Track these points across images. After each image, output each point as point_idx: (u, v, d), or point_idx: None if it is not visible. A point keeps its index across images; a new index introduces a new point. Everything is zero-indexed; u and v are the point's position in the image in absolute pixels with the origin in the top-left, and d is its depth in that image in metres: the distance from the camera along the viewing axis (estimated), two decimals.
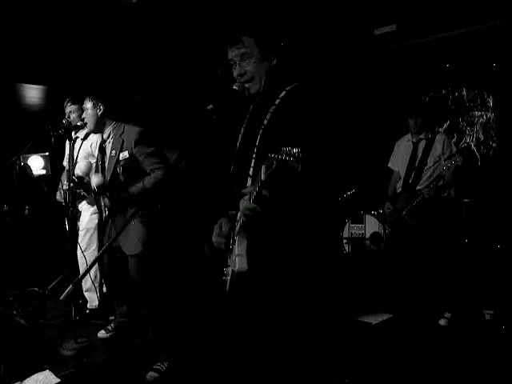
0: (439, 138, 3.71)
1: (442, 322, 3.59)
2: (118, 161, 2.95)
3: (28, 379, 2.63)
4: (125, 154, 2.94)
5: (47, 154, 5.81)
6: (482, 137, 4.53)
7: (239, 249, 1.58)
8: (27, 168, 5.58)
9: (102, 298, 3.78)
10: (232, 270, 1.69)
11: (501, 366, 2.86)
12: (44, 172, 5.98)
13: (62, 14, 4.06)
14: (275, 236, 1.61)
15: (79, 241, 3.84)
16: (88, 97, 3.08)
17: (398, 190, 3.89)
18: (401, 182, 3.87)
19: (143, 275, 2.92)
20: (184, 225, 5.41)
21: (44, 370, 2.74)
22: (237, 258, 1.57)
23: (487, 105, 4.52)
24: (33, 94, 5.58)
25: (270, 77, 1.73)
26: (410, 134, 3.88)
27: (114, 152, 2.99)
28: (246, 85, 1.72)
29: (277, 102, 1.70)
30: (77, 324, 3.21)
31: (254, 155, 1.69)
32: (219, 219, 1.83)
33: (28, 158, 5.73)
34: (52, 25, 4.27)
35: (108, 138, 3.08)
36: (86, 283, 3.80)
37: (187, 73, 5.78)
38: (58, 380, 2.64)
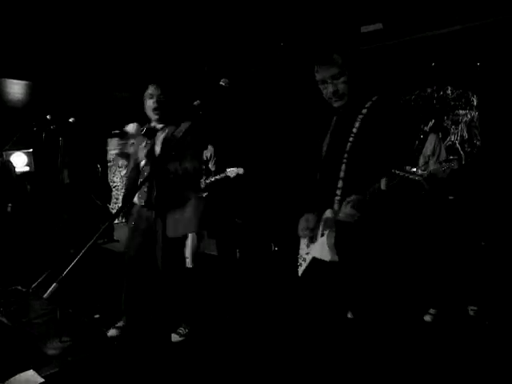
0: (431, 139, 3.75)
1: (427, 318, 3.63)
2: (168, 140, 3.03)
3: (11, 379, 2.58)
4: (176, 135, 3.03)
5: (31, 150, 5.74)
6: (466, 135, 4.59)
7: (330, 243, 1.89)
8: (11, 165, 5.50)
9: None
10: (313, 258, 1.99)
11: (484, 361, 2.90)
12: (28, 169, 5.91)
13: (45, 8, 3.99)
14: (362, 236, 1.86)
15: None
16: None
17: None
18: None
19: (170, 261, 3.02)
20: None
21: (28, 369, 2.70)
22: (329, 250, 1.88)
23: (471, 104, 4.57)
24: (16, 89, 5.49)
25: (355, 91, 1.94)
26: None
27: (167, 130, 3.09)
28: (335, 101, 1.94)
29: (364, 111, 1.91)
30: (61, 323, 3.17)
31: (345, 160, 1.89)
32: (306, 214, 2.07)
33: (11, 154, 5.65)
34: (35, 19, 4.20)
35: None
36: None
37: (173, 69, 5.74)
38: (42, 380, 2.60)
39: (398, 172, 1.54)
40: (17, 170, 5.54)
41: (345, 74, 1.91)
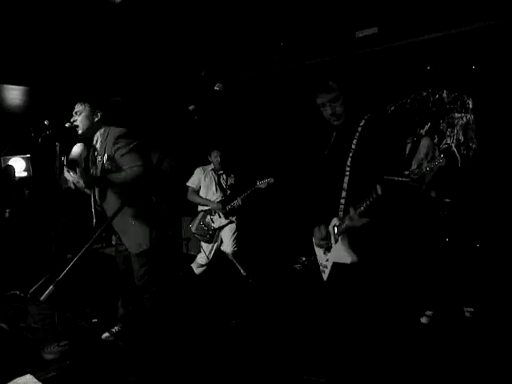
0: (424, 143, 3.77)
1: (424, 319, 3.64)
2: (103, 164, 2.95)
3: (9, 383, 2.59)
4: (105, 157, 2.94)
5: (28, 155, 5.74)
6: (462, 138, 4.61)
7: (346, 247, 2.09)
8: (10, 170, 5.51)
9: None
10: (334, 263, 2.19)
11: (481, 362, 2.92)
12: (26, 174, 5.91)
13: (43, 14, 4.02)
14: (375, 235, 2.07)
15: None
16: (83, 102, 3.07)
17: None
18: None
19: (148, 272, 2.97)
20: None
21: (26, 373, 2.71)
22: (347, 253, 2.07)
23: (467, 107, 4.60)
24: (13, 95, 5.51)
25: (351, 110, 2.19)
26: None
27: (99, 158, 3.00)
28: (334, 121, 2.19)
29: (359, 129, 2.16)
30: (59, 327, 3.18)
31: (348, 172, 2.13)
32: (317, 225, 2.28)
33: (9, 159, 5.66)
34: (33, 25, 4.23)
35: (96, 143, 3.07)
36: None
37: (169, 74, 5.77)
38: None
39: (390, 177, 1.73)
40: (16, 175, 5.54)
41: (340, 97, 2.15)
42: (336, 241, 2.17)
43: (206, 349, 3.21)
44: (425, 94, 4.83)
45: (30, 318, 3.81)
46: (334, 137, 2.35)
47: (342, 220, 2.12)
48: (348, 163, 2.15)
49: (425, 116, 4.78)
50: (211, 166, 4.95)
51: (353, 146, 2.15)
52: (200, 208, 4.98)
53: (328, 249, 2.26)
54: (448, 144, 4.68)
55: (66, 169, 2.92)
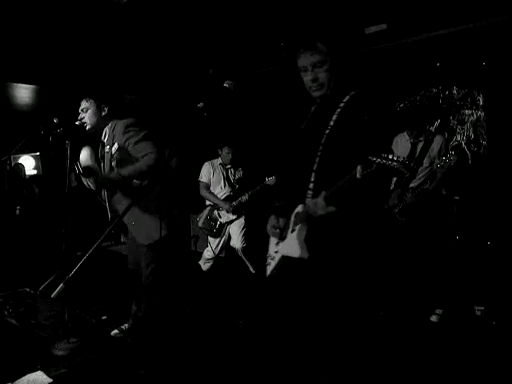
0: (437, 140, 3.75)
1: (434, 318, 3.62)
2: (111, 155, 2.96)
3: (20, 380, 2.61)
4: (115, 147, 2.94)
5: (38, 154, 5.79)
6: (472, 135, 4.56)
7: (300, 239, 1.77)
8: (20, 168, 5.56)
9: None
10: (282, 256, 1.89)
11: (492, 361, 2.89)
12: (35, 172, 5.97)
13: (52, 13, 4.03)
14: (335, 230, 1.77)
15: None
16: (88, 98, 3.07)
17: (391, 188, 3.92)
18: (394, 179, 3.89)
19: (154, 272, 3.02)
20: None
21: (36, 370, 2.73)
22: (299, 247, 1.76)
23: (477, 103, 4.55)
24: (23, 93, 5.55)
25: (335, 83, 1.88)
26: (406, 134, 3.91)
27: (107, 148, 3.01)
28: (314, 90, 1.88)
29: (341, 105, 1.84)
30: (69, 324, 3.20)
31: (319, 153, 1.83)
32: (275, 212, 2.00)
33: (19, 158, 5.72)
34: (43, 24, 4.24)
35: (104, 137, 3.08)
36: None
37: (178, 72, 5.78)
38: (51, 380, 2.64)
39: (374, 159, 1.44)
40: (26, 173, 5.60)
41: (327, 63, 1.85)
42: (292, 230, 1.86)
43: (213, 347, 3.21)
44: (435, 90, 4.79)
45: (40, 315, 3.84)
46: (312, 111, 2.03)
47: (308, 207, 1.80)
48: (322, 141, 1.84)
49: (435, 113, 4.74)
50: (219, 161, 4.93)
51: (331, 123, 1.84)
52: (208, 202, 4.98)
53: (282, 239, 1.95)
54: (458, 141, 4.64)
55: (83, 179, 2.94)
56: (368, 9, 4.26)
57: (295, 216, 1.86)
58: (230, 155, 4.83)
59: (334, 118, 1.83)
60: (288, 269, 1.88)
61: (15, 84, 5.32)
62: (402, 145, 3.94)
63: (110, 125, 3.07)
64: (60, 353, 3.05)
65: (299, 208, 1.84)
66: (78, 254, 4.90)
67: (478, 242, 3.85)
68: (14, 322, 3.55)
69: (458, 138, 4.64)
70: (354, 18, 4.44)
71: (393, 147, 4.04)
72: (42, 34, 4.42)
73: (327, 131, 1.83)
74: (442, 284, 3.67)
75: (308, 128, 1.99)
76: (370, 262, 1.87)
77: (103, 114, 3.07)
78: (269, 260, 2.02)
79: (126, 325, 3.41)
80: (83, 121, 3.05)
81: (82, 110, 3.08)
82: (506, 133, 4.24)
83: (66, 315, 3.21)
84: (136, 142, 2.87)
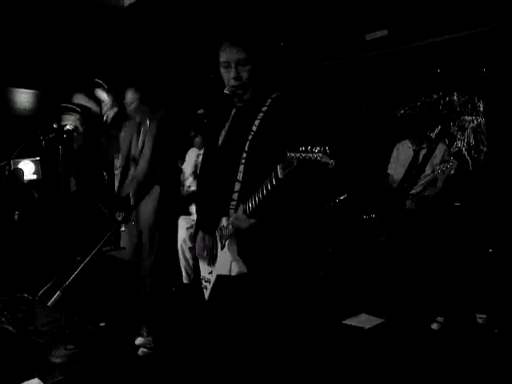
0: (440, 148, 3.74)
1: (435, 326, 3.59)
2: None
3: None
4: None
5: (38, 158, 5.78)
6: (472, 141, 4.56)
7: (233, 254, 1.66)
8: (19, 173, 5.55)
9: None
10: (217, 276, 1.74)
11: (493, 369, 2.86)
12: (35, 177, 5.95)
13: (53, 19, 4.04)
14: (268, 240, 1.68)
15: None
16: (134, 89, 3.28)
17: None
18: (395, 186, 3.89)
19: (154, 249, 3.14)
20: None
21: (33, 377, 2.69)
22: (233, 263, 1.64)
23: (478, 109, 4.55)
24: (23, 98, 5.55)
25: (258, 85, 1.77)
26: (408, 141, 3.90)
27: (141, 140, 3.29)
28: (235, 90, 1.74)
29: (264, 109, 1.74)
30: (67, 331, 3.17)
31: (243, 160, 1.71)
32: (200, 232, 1.88)
33: (19, 162, 5.70)
34: (43, 30, 4.25)
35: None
36: None
37: (178, 77, 5.78)
38: None
39: (293, 154, 1.36)
40: (24, 177, 5.58)
41: (252, 62, 1.72)
42: (222, 247, 1.73)
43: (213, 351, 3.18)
44: (435, 96, 4.78)
45: (38, 321, 3.81)
46: (233, 115, 1.88)
47: (229, 220, 1.69)
48: (246, 148, 1.72)
49: (435, 119, 4.73)
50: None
51: (253, 128, 1.72)
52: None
53: (213, 258, 1.80)
54: (459, 147, 4.63)
55: (117, 214, 3.18)
56: (369, 15, 4.27)
57: (221, 230, 1.75)
58: None
59: (257, 123, 1.73)
60: (228, 288, 1.74)
61: (15, 89, 5.32)
62: (403, 152, 3.93)
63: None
64: (57, 360, 3.01)
65: (223, 222, 1.73)
66: (78, 258, 4.87)
67: (480, 248, 3.83)
68: (10, 328, 3.51)
69: (459, 145, 4.63)
70: (354, 23, 4.45)
71: (394, 154, 4.04)
72: (42, 39, 4.43)
73: (250, 137, 1.72)
74: (443, 291, 3.64)
75: (229, 134, 1.87)
76: (307, 263, 1.83)
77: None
78: (204, 283, 1.87)
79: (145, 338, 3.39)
80: (131, 113, 3.27)
81: (126, 104, 3.28)
82: (506, 139, 4.23)
83: (63, 321, 3.18)
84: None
